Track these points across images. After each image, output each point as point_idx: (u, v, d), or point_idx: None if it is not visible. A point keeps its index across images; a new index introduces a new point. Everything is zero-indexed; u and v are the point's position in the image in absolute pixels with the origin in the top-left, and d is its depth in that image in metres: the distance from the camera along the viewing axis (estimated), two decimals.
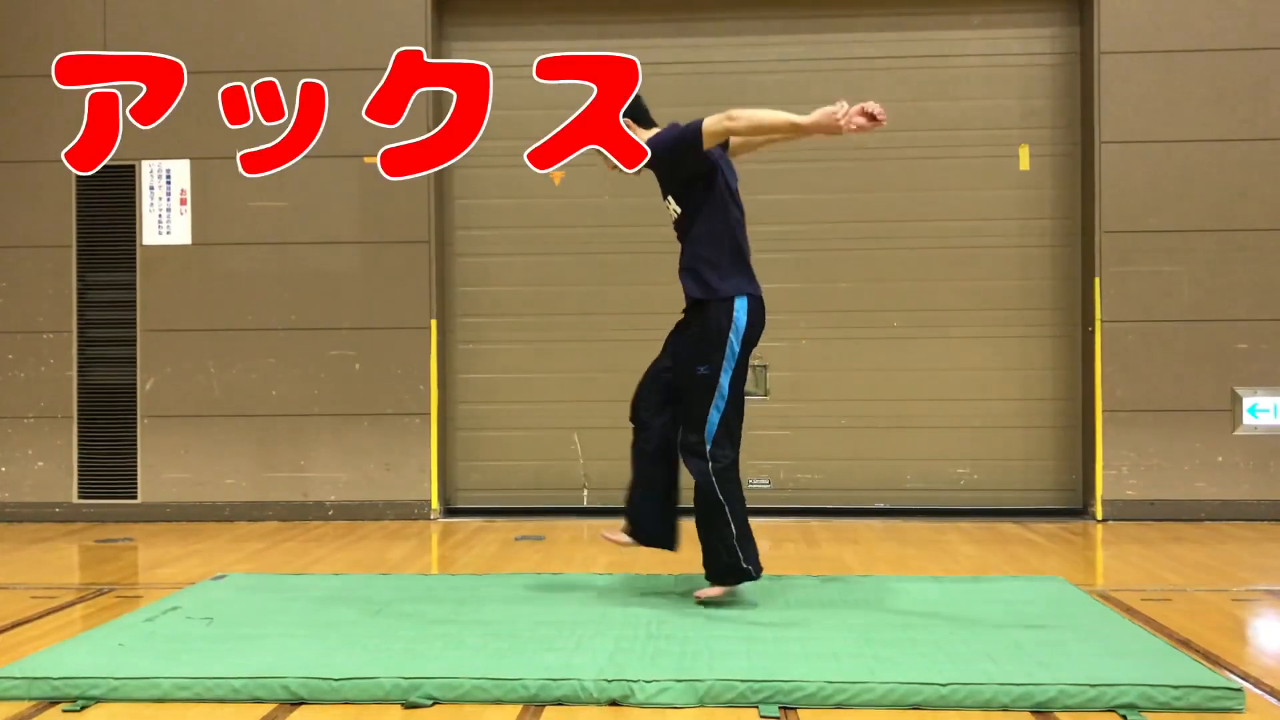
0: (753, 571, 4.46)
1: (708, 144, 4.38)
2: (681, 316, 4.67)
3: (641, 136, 4.56)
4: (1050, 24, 7.39)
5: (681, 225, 4.58)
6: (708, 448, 4.42)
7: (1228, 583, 5.23)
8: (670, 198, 4.56)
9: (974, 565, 5.69)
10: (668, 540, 4.69)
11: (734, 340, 4.43)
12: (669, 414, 4.60)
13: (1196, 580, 5.29)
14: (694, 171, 4.46)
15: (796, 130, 4.30)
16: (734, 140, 4.69)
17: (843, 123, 4.18)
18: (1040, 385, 7.36)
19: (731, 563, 4.44)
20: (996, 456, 7.36)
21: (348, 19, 7.32)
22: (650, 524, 4.66)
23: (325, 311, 7.31)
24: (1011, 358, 7.36)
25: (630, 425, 4.73)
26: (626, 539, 4.70)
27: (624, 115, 4.56)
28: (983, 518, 7.20)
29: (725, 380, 4.42)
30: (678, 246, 4.65)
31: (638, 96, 4.65)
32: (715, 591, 4.52)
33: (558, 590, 4.84)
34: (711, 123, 4.32)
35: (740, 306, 4.44)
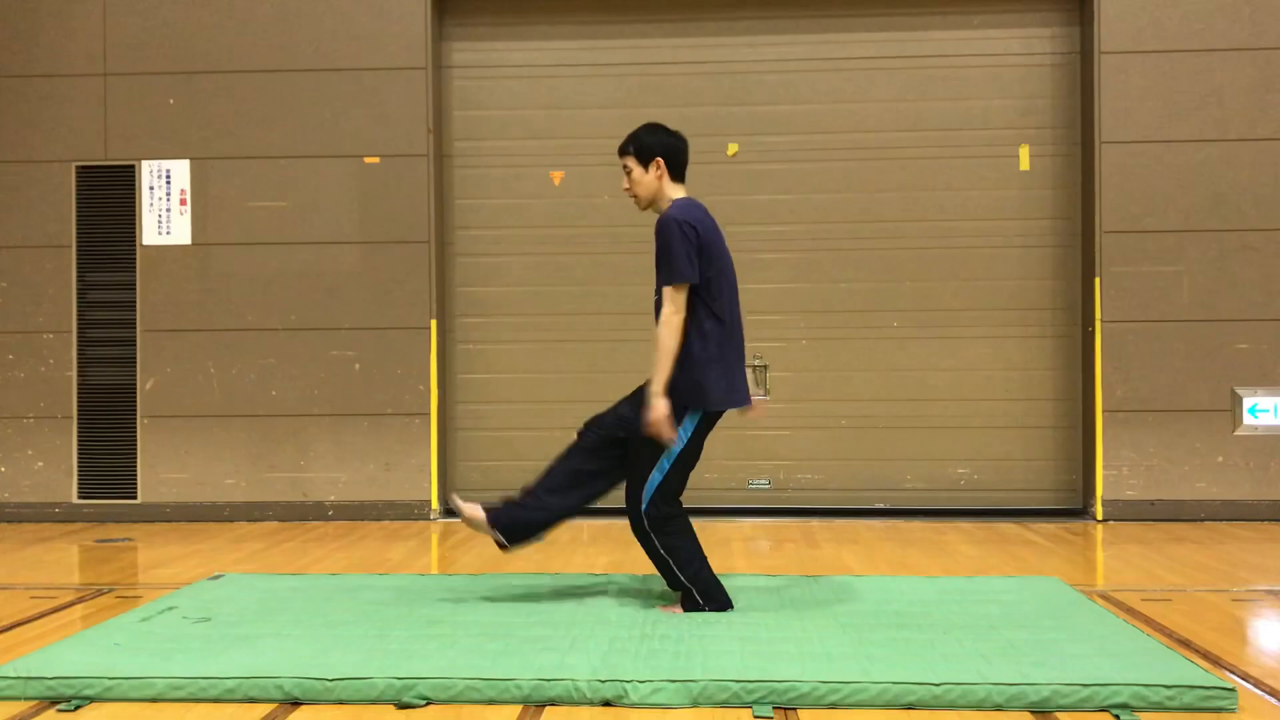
0: (710, 610, 4.42)
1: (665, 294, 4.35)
2: None
3: (668, 192, 4.52)
4: (1050, 24, 7.38)
5: (657, 310, 4.47)
6: (643, 506, 4.42)
7: (1228, 583, 5.22)
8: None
9: (974, 565, 5.68)
10: (512, 543, 4.62)
11: (683, 435, 4.39)
12: (616, 451, 4.57)
13: (1196, 580, 5.28)
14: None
15: (652, 398, 4.28)
16: None
17: (662, 434, 4.27)
18: (1040, 385, 7.36)
19: (691, 603, 4.45)
20: (996, 456, 7.35)
21: (348, 19, 7.33)
22: (521, 533, 4.60)
23: (325, 311, 7.31)
24: (1011, 358, 7.36)
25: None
26: (481, 515, 4.56)
27: (660, 155, 4.50)
28: (983, 518, 7.19)
29: (676, 448, 4.40)
30: None
31: (682, 145, 4.57)
32: (677, 610, 4.48)
33: (554, 590, 4.84)
34: (667, 296, 4.29)
35: (688, 425, 4.40)
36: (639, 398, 4.52)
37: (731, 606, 4.47)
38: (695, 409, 4.40)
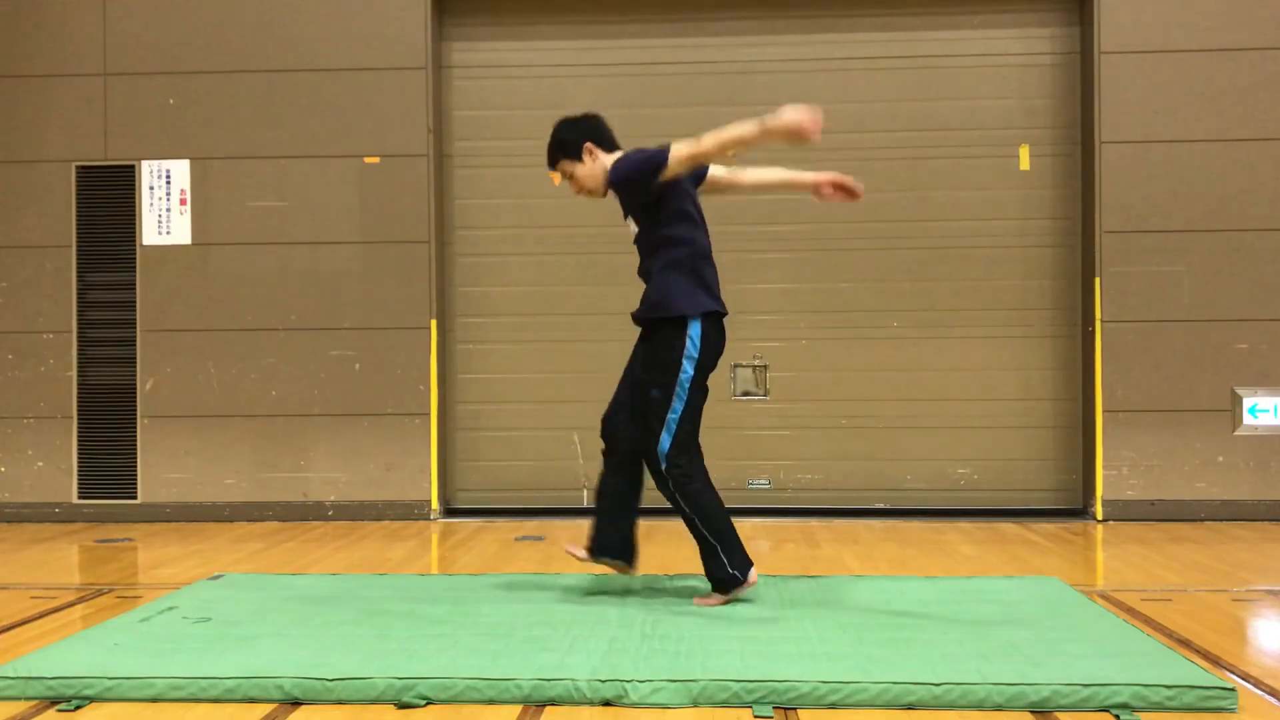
0: (739, 576, 4.43)
1: (674, 171, 4.32)
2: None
3: (604, 161, 4.55)
4: (1050, 24, 7.38)
5: (640, 243, 4.53)
6: (662, 466, 4.42)
7: (1228, 583, 5.22)
8: (630, 218, 4.52)
9: (974, 566, 5.68)
10: (625, 556, 4.63)
11: (687, 365, 4.39)
12: (638, 428, 4.57)
13: (1196, 580, 5.27)
14: (654, 196, 4.40)
15: (764, 136, 4.15)
16: (715, 175, 4.72)
17: (809, 128, 4.07)
18: (1040, 385, 7.36)
19: (720, 575, 4.45)
20: (996, 456, 7.35)
21: (347, 19, 7.33)
22: (606, 540, 4.61)
23: (325, 311, 7.31)
24: (1011, 358, 7.35)
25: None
26: (584, 554, 4.63)
27: (585, 139, 4.55)
28: (983, 518, 7.19)
29: (679, 405, 4.39)
30: None
31: (599, 120, 4.63)
32: (713, 601, 4.49)
33: (554, 590, 4.84)
34: (680, 151, 4.26)
35: (694, 328, 4.39)
36: (636, 355, 4.57)
37: (752, 564, 4.48)
38: (694, 316, 4.38)
